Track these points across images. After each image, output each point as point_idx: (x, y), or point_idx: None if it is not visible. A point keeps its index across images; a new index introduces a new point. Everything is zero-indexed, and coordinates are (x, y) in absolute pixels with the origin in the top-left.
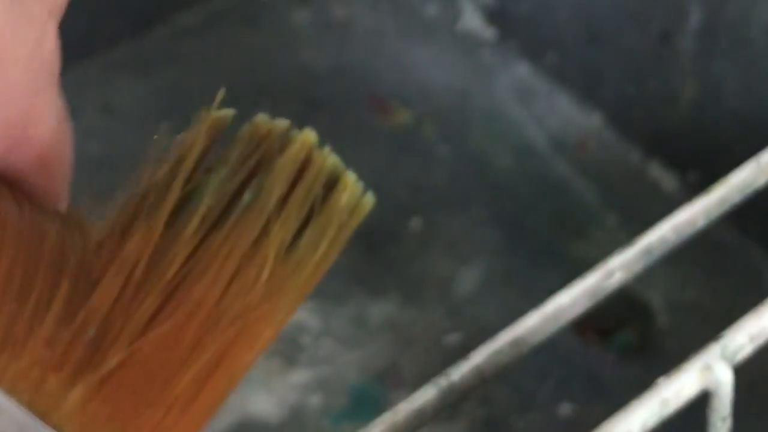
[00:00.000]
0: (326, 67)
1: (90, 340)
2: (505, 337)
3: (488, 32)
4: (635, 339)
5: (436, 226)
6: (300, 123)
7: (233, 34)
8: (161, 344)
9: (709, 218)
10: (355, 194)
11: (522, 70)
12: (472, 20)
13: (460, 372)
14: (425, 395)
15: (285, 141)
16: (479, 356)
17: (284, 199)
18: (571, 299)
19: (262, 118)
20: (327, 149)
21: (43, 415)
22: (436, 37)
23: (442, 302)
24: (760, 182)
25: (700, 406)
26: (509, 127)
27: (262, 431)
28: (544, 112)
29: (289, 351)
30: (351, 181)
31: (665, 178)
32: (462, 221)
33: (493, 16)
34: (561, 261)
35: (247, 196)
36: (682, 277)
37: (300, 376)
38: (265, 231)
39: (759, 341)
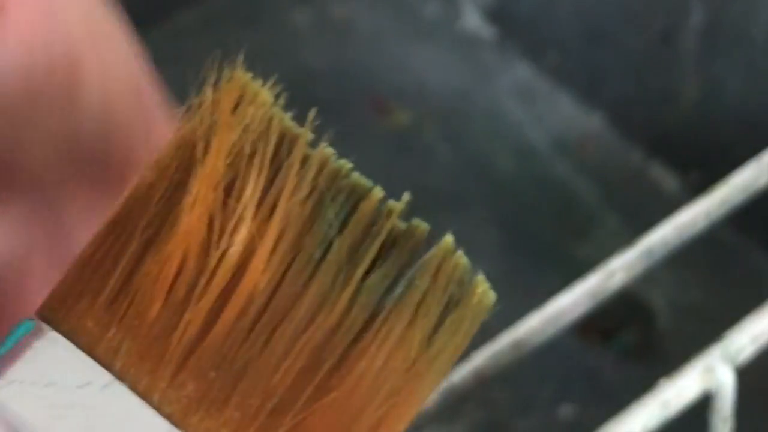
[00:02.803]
0: (326, 67)
1: (272, 405)
2: (505, 339)
3: (488, 32)
4: (636, 340)
5: (436, 226)
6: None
7: (233, 34)
8: (328, 412)
9: (711, 219)
10: (484, 294)
11: (522, 70)
12: (472, 20)
13: (460, 373)
14: None
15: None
16: (480, 357)
17: (426, 293)
18: (572, 300)
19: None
20: (459, 254)
21: None
22: (436, 37)
23: None
24: (761, 183)
25: (701, 407)
26: (509, 127)
27: None
28: (544, 112)
29: None
30: (482, 282)
31: (666, 179)
32: (462, 221)
33: (493, 16)
34: (562, 262)
35: (398, 290)
36: (684, 278)
37: None
38: (411, 322)
39: (761, 342)
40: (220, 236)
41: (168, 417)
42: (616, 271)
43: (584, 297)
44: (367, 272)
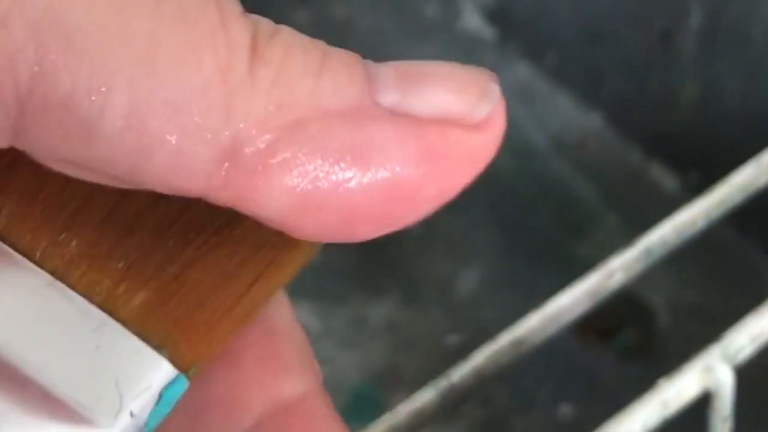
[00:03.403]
0: None
1: (156, 259)
2: (505, 338)
3: (488, 32)
4: (636, 340)
5: (436, 227)
6: None
7: None
8: (210, 265)
9: (710, 219)
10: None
11: (522, 71)
12: (472, 20)
13: (460, 373)
14: (425, 396)
15: None
16: (479, 357)
17: None
18: (571, 300)
19: None
20: None
21: (111, 313)
22: (436, 37)
23: (442, 303)
24: (760, 182)
25: (701, 407)
26: (509, 127)
27: None
28: (544, 112)
29: None
30: None
31: (666, 179)
32: (462, 221)
33: (493, 16)
34: (561, 261)
35: None
36: (683, 277)
37: None
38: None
39: (760, 342)
40: None
41: (51, 272)
42: (616, 270)
43: (583, 296)
44: None
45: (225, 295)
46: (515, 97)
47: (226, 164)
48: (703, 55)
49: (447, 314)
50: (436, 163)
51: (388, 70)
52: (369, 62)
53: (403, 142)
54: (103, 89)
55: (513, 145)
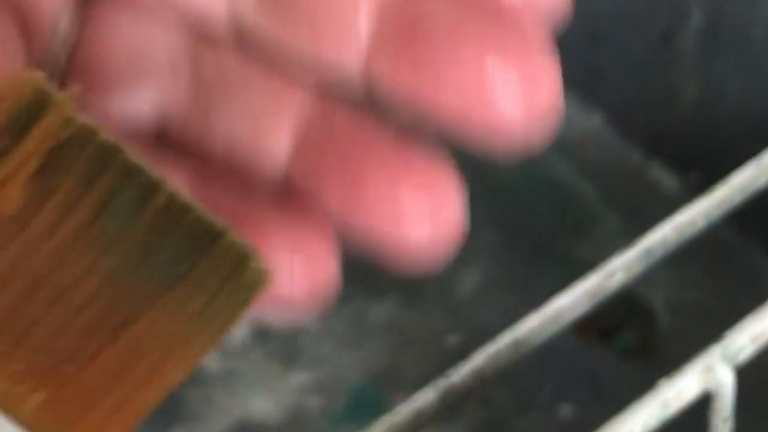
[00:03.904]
0: None
1: (55, 358)
2: (505, 339)
3: None
4: (636, 340)
5: None
6: None
7: None
8: (107, 364)
9: (710, 219)
10: (258, 272)
11: None
12: None
13: (460, 373)
14: (425, 397)
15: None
16: (479, 357)
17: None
18: (571, 300)
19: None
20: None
21: (8, 413)
22: None
23: (442, 303)
24: (761, 183)
25: (701, 407)
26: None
27: None
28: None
29: (288, 352)
30: (257, 259)
31: (666, 179)
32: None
33: None
34: (561, 262)
35: (183, 267)
36: (683, 278)
37: (299, 377)
38: (191, 293)
39: (761, 342)
40: None
41: None
42: (616, 270)
43: (584, 297)
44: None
45: (118, 396)
46: None
47: None
48: (703, 55)
49: (447, 314)
50: None
51: None
52: None
53: None
54: None
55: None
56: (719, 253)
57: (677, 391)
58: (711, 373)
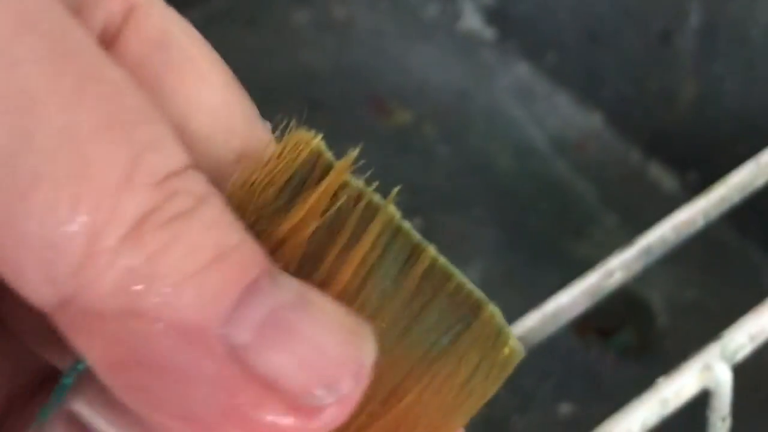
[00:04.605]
0: (326, 67)
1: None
2: None
3: (488, 32)
4: (635, 339)
5: (436, 226)
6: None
7: (233, 34)
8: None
9: (709, 218)
10: (513, 349)
11: (522, 70)
12: (472, 20)
13: None
14: None
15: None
16: None
17: (469, 345)
18: (570, 299)
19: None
20: (498, 314)
21: None
22: (436, 37)
23: None
24: (759, 182)
25: (699, 405)
26: (509, 127)
27: None
28: (544, 112)
29: None
30: (512, 338)
31: (665, 178)
32: (462, 221)
33: (493, 16)
34: (561, 261)
35: (447, 339)
36: (682, 277)
37: None
38: (455, 368)
39: (759, 341)
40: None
41: None
42: (615, 269)
43: (583, 296)
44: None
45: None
46: (514, 97)
47: (61, 305)
48: (702, 55)
49: None
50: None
51: (263, 306)
52: (273, 285)
53: (213, 389)
54: None
55: (512, 144)
56: (717, 252)
57: (676, 390)
58: (709, 372)
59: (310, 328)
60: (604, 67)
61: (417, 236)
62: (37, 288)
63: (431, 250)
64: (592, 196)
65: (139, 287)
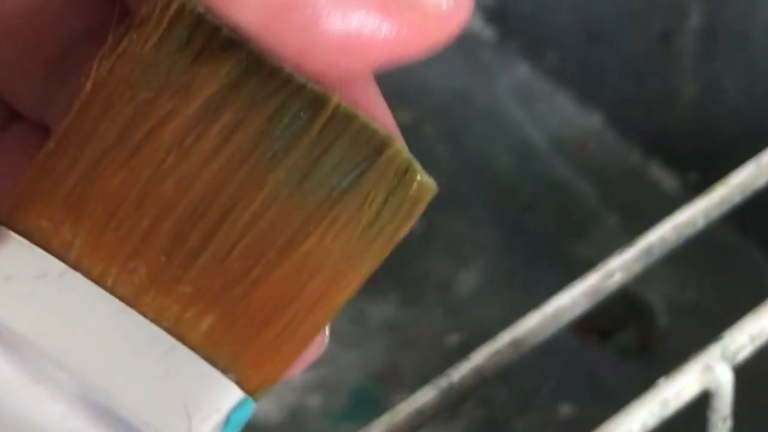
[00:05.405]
0: None
1: (222, 281)
2: (505, 338)
3: (488, 32)
4: (635, 339)
5: (436, 226)
6: None
7: None
8: (275, 286)
9: (709, 218)
10: (423, 184)
11: (522, 70)
12: (472, 20)
13: (459, 372)
14: (425, 396)
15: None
16: (479, 357)
17: (372, 186)
18: (571, 299)
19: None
20: (403, 149)
21: (180, 338)
22: None
23: (442, 303)
24: (760, 182)
25: (700, 406)
26: (509, 127)
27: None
28: (544, 112)
29: None
30: (421, 173)
31: (665, 178)
32: (462, 221)
33: (493, 16)
34: (561, 261)
35: (348, 180)
36: (683, 277)
37: (299, 376)
38: (358, 209)
39: (759, 341)
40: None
41: (121, 299)
42: (615, 270)
43: (583, 296)
44: (320, 161)
45: (289, 317)
46: (515, 97)
47: None
48: (702, 55)
49: (447, 314)
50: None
51: None
52: None
53: None
54: None
55: (513, 144)
56: (718, 252)
57: (676, 391)
58: (710, 373)
59: None
60: (604, 67)
61: (319, 89)
62: None
63: (335, 98)
64: (592, 196)
65: None
